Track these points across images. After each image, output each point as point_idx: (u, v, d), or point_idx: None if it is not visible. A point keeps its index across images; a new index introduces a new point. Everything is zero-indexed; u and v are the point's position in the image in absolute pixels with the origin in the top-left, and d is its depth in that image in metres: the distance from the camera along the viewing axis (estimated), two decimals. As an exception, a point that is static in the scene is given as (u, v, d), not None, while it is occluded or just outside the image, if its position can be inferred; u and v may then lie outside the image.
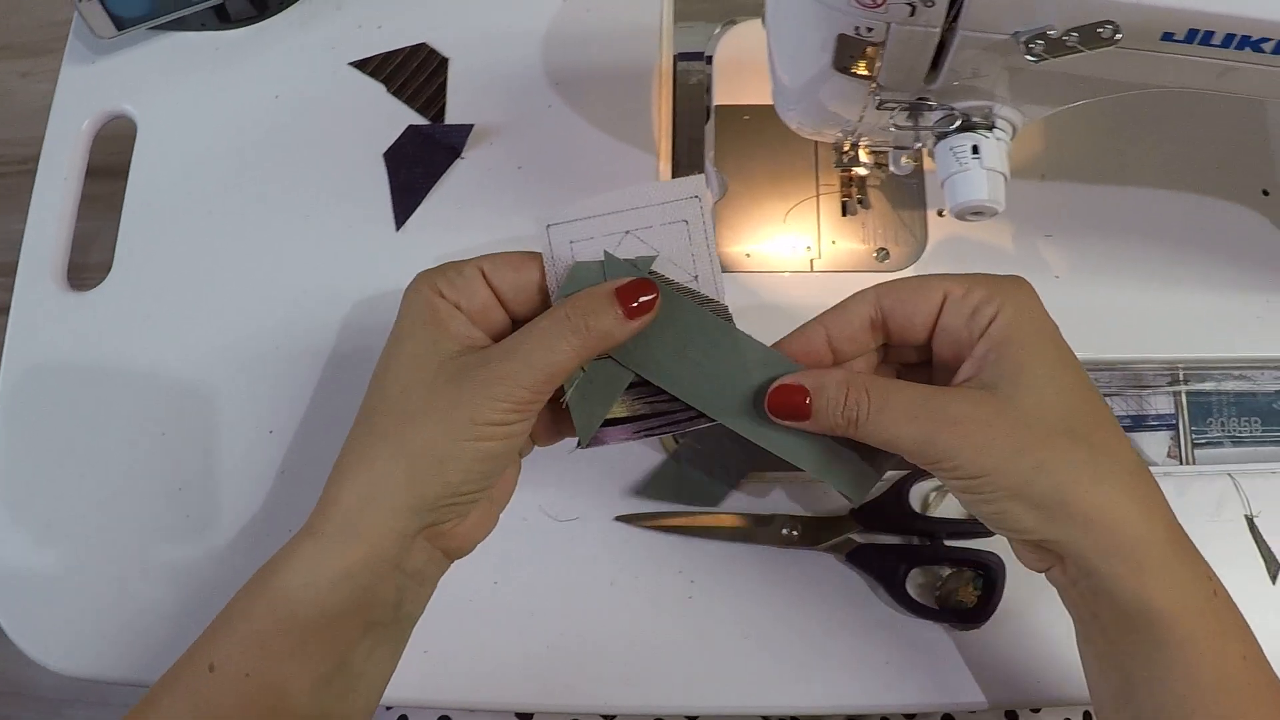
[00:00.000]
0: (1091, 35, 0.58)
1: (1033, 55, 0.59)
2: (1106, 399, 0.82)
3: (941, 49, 0.62)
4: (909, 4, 0.58)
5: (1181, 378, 0.81)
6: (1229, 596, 0.58)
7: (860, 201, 0.81)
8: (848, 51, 0.63)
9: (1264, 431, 0.81)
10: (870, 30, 0.60)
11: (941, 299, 0.59)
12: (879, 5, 0.58)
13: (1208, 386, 0.81)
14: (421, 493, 0.56)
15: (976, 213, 0.68)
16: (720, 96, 0.85)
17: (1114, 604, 0.56)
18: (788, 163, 0.83)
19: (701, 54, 0.90)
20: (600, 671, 0.74)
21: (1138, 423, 0.83)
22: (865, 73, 0.65)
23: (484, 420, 0.55)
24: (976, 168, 0.67)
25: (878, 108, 0.67)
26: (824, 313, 0.61)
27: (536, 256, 0.61)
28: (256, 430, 0.78)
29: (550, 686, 0.73)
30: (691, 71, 0.90)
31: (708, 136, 0.85)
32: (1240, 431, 0.81)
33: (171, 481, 0.77)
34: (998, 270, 0.68)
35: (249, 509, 0.76)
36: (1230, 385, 0.81)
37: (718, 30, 0.89)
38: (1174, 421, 0.82)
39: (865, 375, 0.59)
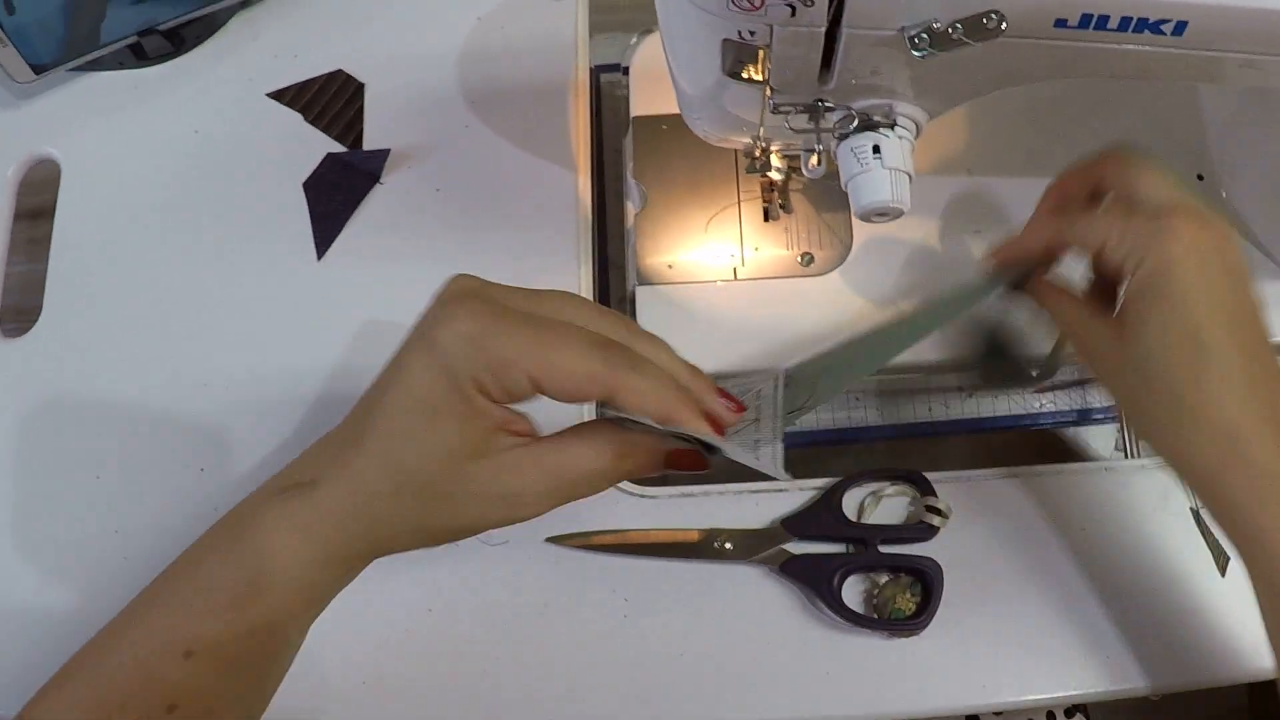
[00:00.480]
0: (977, 26, 0.54)
1: (918, 50, 0.55)
2: (1048, 394, 0.79)
3: (830, 48, 0.58)
4: (788, 5, 0.54)
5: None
6: None
7: (782, 206, 0.77)
8: (735, 56, 0.59)
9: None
10: (753, 34, 0.56)
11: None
12: (757, 8, 0.54)
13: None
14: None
15: (881, 214, 0.64)
16: (638, 107, 0.81)
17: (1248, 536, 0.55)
18: (708, 170, 0.78)
19: (617, 65, 0.86)
20: (539, 695, 0.70)
21: (1083, 417, 0.79)
22: (757, 77, 0.61)
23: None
24: (878, 168, 0.63)
25: (773, 112, 0.64)
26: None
27: (596, 380, 0.51)
28: (188, 469, 0.74)
29: (489, 712, 0.69)
30: (616, 84, 0.87)
31: (626, 148, 0.81)
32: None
33: (107, 524, 0.73)
34: (924, 268, 0.66)
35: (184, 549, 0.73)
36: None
37: (634, 40, 0.84)
38: (1118, 414, 0.78)
39: None
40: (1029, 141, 0.80)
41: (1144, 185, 0.58)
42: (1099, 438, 0.80)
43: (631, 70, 0.83)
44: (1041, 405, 0.79)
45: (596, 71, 0.86)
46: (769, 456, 0.56)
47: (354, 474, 0.53)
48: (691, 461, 0.55)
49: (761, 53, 0.58)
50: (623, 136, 0.82)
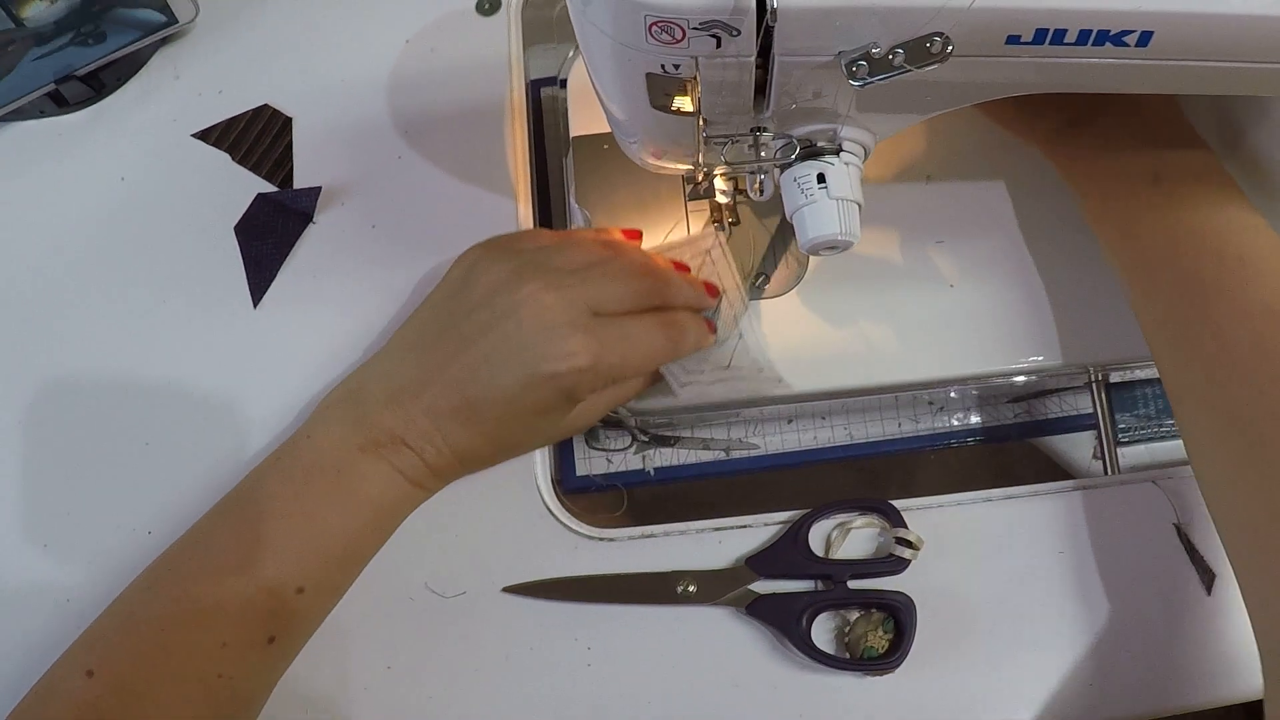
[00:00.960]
0: (920, 51, 0.47)
1: (856, 80, 0.48)
2: (1022, 404, 0.73)
3: (764, 77, 0.52)
4: (712, 36, 0.47)
5: (1099, 377, 0.71)
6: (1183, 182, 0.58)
7: (732, 223, 0.71)
8: (661, 89, 0.53)
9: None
10: (678, 67, 0.50)
11: None
12: (679, 41, 0.48)
13: (1128, 379, 0.72)
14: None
15: (829, 247, 0.58)
16: (577, 126, 0.73)
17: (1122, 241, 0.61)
18: (652, 189, 0.71)
19: (556, 78, 0.80)
20: (502, 752, 0.65)
21: (1058, 426, 0.74)
22: (688, 109, 0.55)
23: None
24: (824, 199, 0.57)
25: (707, 144, 0.58)
26: None
27: (661, 361, 0.66)
28: (135, 532, 0.68)
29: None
30: (556, 97, 0.80)
31: (568, 170, 0.74)
32: (1165, 426, 0.72)
33: (59, 595, 0.67)
34: (885, 283, 0.68)
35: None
36: (1151, 375, 0.72)
37: (571, 54, 0.78)
38: (1095, 422, 0.72)
39: None
40: (989, 144, 0.73)
41: None
42: (1076, 447, 0.75)
43: (569, 87, 0.76)
44: (1015, 415, 0.73)
45: (534, 86, 0.79)
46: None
47: (463, 445, 0.62)
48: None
49: (689, 84, 0.52)
50: (564, 152, 0.76)
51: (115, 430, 0.70)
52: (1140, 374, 0.71)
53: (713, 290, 0.68)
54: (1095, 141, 0.63)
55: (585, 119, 0.74)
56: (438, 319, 0.62)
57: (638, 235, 0.70)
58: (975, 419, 0.73)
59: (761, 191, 0.61)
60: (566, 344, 0.58)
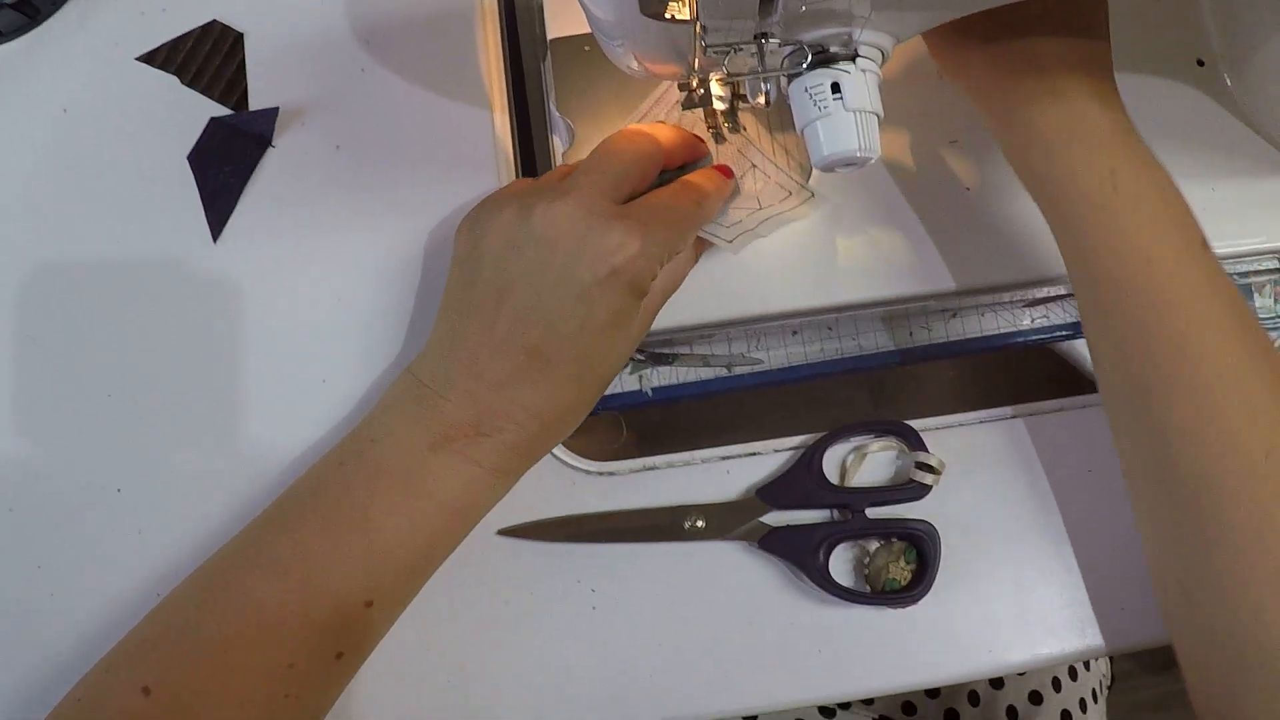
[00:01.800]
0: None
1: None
2: (1039, 308, 0.67)
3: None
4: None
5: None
6: (1148, 192, 0.53)
7: (730, 127, 0.64)
8: (656, -3, 0.47)
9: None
10: (669, -31, 0.44)
11: None
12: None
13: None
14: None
15: (847, 164, 0.52)
16: (555, 27, 0.66)
17: (1023, 179, 0.56)
18: (641, 94, 0.65)
19: (529, -26, 0.72)
20: (507, 699, 0.61)
21: (1077, 331, 0.68)
22: (683, 15, 0.48)
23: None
24: (839, 111, 0.50)
25: (705, 54, 0.51)
26: None
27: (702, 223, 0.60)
28: (104, 490, 0.63)
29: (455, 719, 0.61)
30: (531, -4, 0.73)
31: (546, 77, 0.67)
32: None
33: (28, 560, 0.63)
34: (895, 188, 0.63)
35: (112, 575, 0.62)
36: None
37: (544, -53, 0.71)
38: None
39: None
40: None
41: None
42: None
43: (544, -18, 0.69)
44: (1033, 320, 0.67)
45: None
46: None
47: (543, 406, 0.55)
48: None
49: (681, -12, 0.46)
50: (541, 56, 0.69)
51: (73, 381, 0.65)
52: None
53: (695, 141, 0.63)
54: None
55: (564, 19, 0.67)
56: (465, 289, 0.56)
57: None
58: (990, 326, 0.67)
59: (767, 101, 0.55)
60: (608, 239, 0.53)
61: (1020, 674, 0.80)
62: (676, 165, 0.61)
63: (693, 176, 0.60)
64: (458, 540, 0.58)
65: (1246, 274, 0.66)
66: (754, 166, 0.64)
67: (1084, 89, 0.53)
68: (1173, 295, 0.51)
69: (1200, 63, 0.67)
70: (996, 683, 0.79)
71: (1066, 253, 0.55)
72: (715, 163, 0.63)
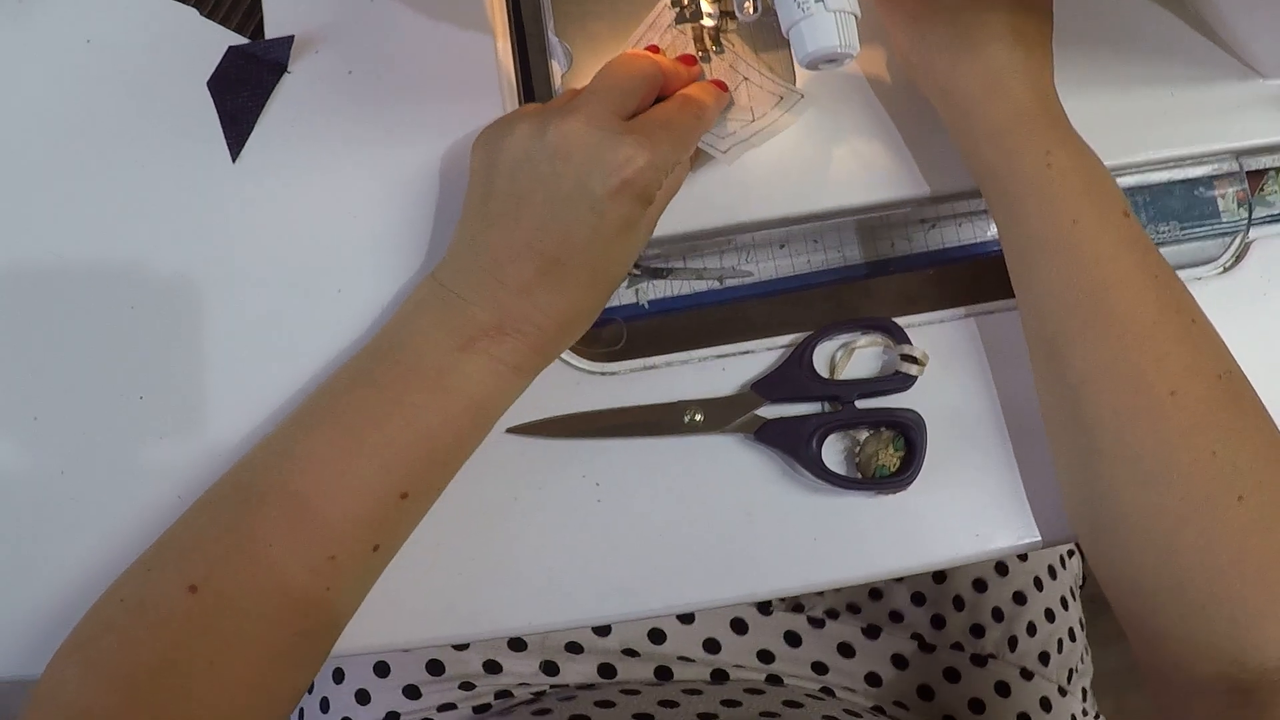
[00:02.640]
0: None
1: None
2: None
3: None
4: None
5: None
6: (1078, 168, 0.58)
7: (717, 50, 0.67)
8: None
9: (1182, 231, 0.69)
10: None
11: None
12: None
13: (1140, 184, 0.69)
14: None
15: (829, 60, 0.55)
16: None
17: (969, 166, 0.62)
18: (635, 19, 0.68)
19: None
20: (516, 591, 0.64)
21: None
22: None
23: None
24: (821, 12, 0.53)
25: (687, -43, 0.54)
26: None
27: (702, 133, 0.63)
28: (127, 398, 0.66)
29: (467, 612, 0.64)
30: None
31: (544, 2, 0.70)
32: (1157, 236, 0.69)
33: (52, 467, 0.65)
34: (876, 103, 0.67)
35: (142, 482, 0.65)
36: (1139, 182, 0.69)
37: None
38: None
39: None
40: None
41: None
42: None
43: (541, -88, 0.72)
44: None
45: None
46: None
47: (560, 309, 0.59)
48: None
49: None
50: (543, -13, 0.72)
51: (98, 296, 0.68)
52: (1130, 180, 0.68)
53: (689, 60, 0.66)
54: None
55: (560, -52, 0.70)
56: (487, 200, 0.59)
57: None
58: (968, 235, 0.70)
59: (755, 8, 0.58)
60: (619, 152, 0.56)
61: (1003, 576, 0.83)
62: (674, 90, 0.64)
63: (691, 90, 0.63)
64: (483, 434, 0.61)
65: (1209, 177, 0.69)
66: (745, 79, 0.67)
67: (1025, 85, 0.58)
68: (1094, 251, 0.56)
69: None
70: (980, 585, 0.82)
71: (1003, 224, 0.60)
72: (710, 79, 0.66)
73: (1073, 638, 0.87)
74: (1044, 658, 0.84)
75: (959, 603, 0.81)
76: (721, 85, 0.65)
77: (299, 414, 0.59)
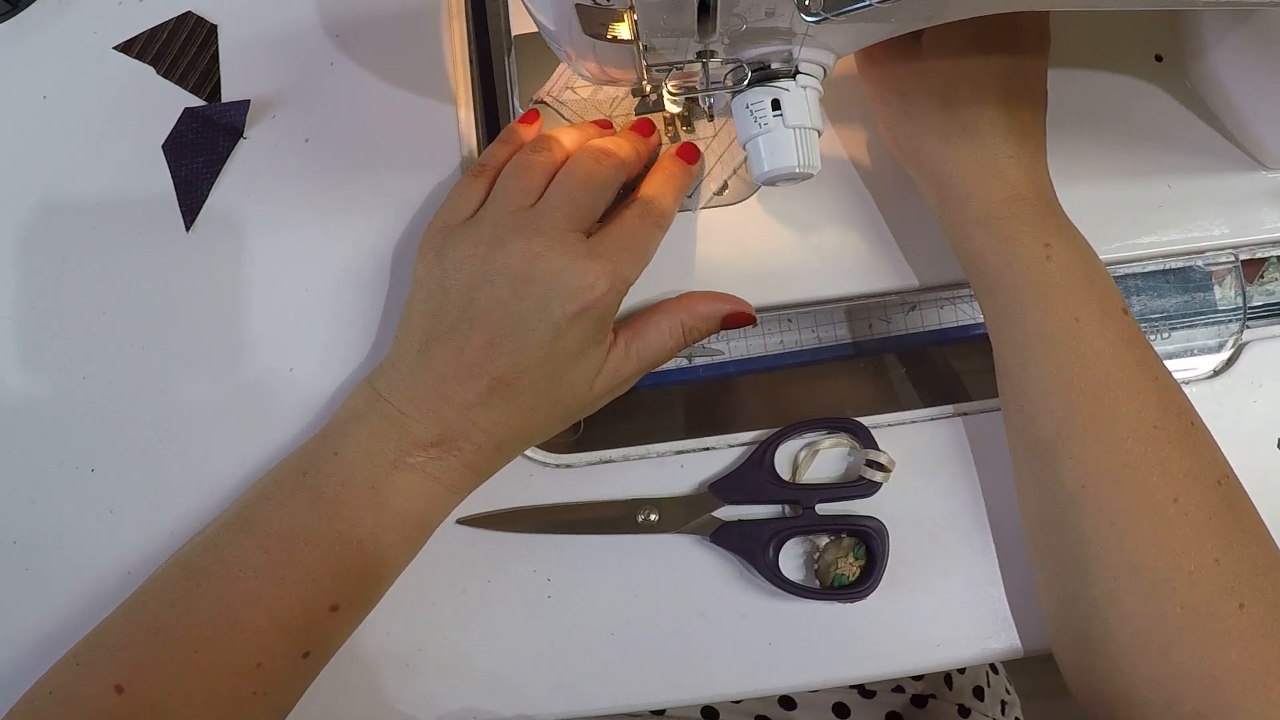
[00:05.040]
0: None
1: (810, 15, 0.43)
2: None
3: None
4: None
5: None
6: (1078, 261, 0.56)
7: (687, 129, 0.65)
8: (595, 20, 0.47)
9: (1176, 321, 0.66)
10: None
11: None
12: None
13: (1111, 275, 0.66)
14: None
15: (788, 179, 0.53)
16: (519, 24, 0.67)
17: (958, 251, 0.60)
18: (606, 109, 0.66)
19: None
20: (463, 684, 0.62)
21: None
22: (625, 36, 0.49)
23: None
24: (780, 128, 0.51)
25: (648, 72, 0.51)
26: None
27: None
28: (79, 470, 0.65)
29: (412, 704, 0.62)
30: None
31: (510, 72, 0.68)
32: (1151, 326, 0.66)
33: (3, 536, 0.64)
34: (849, 186, 0.65)
35: (90, 555, 0.64)
36: (1136, 270, 0.66)
37: (510, -56, 0.71)
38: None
39: None
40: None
41: None
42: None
43: (510, -21, 0.70)
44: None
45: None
46: None
47: (500, 430, 0.58)
48: (740, 320, 0.63)
49: (625, 12, 0.46)
50: (506, 52, 0.70)
51: (47, 365, 0.66)
52: (1126, 270, 0.65)
53: (646, 128, 0.64)
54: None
55: (528, 16, 0.67)
56: (435, 315, 0.58)
57: (535, 116, 0.65)
58: (950, 318, 0.68)
59: (711, 115, 0.55)
60: (583, 277, 0.56)
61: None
62: (635, 175, 0.63)
63: (657, 185, 0.61)
64: (417, 549, 0.60)
65: (1207, 266, 0.66)
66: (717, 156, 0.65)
67: (1020, 170, 0.57)
68: (1096, 349, 0.55)
69: (1158, 58, 0.67)
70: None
71: (994, 318, 0.59)
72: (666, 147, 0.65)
73: (995, 669, 0.88)
74: (978, 692, 0.83)
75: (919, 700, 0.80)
76: (689, 154, 0.63)
77: (234, 513, 0.58)
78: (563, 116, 0.66)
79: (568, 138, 0.62)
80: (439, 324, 0.57)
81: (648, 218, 0.60)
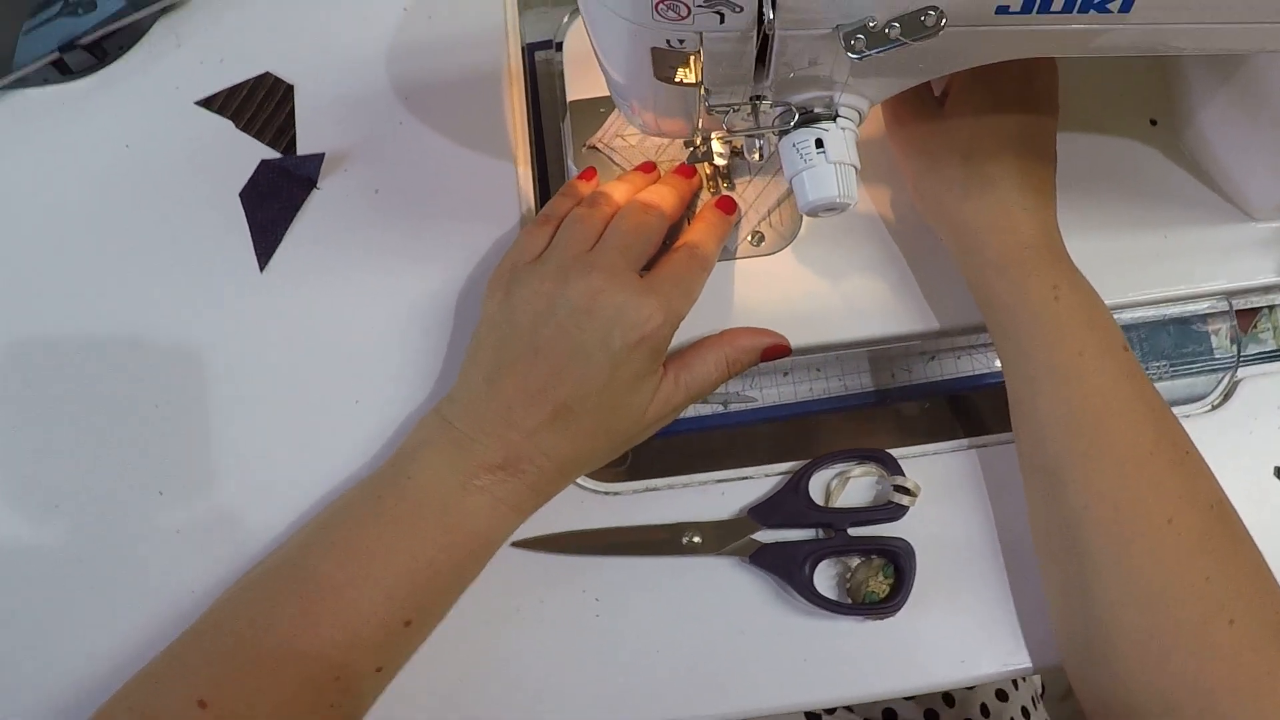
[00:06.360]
0: (915, 25, 0.48)
1: (854, 52, 0.49)
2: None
3: (764, 49, 0.52)
4: (716, 13, 0.48)
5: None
6: (1083, 303, 0.62)
7: (728, 186, 0.71)
8: (666, 63, 0.54)
9: (1175, 367, 0.73)
10: (682, 42, 0.51)
11: None
12: (684, 18, 0.49)
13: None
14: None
15: (829, 209, 0.59)
16: (574, 90, 0.74)
17: (976, 294, 0.65)
18: (652, 154, 0.72)
19: (551, 41, 0.79)
20: (515, 699, 0.66)
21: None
22: (690, 79, 0.55)
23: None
24: (822, 163, 0.58)
25: (709, 113, 0.58)
26: None
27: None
28: (147, 491, 0.69)
29: (466, 713, 0.66)
30: (551, 60, 0.80)
31: (565, 134, 0.74)
32: (1150, 373, 0.73)
33: (69, 555, 0.68)
34: (877, 240, 0.70)
35: (157, 575, 0.68)
36: (1134, 319, 0.73)
37: (566, 19, 0.77)
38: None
39: None
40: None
41: None
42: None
43: (565, 50, 0.76)
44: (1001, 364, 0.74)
45: (530, 50, 0.80)
46: None
47: (562, 453, 0.62)
48: (779, 351, 0.68)
49: (693, 57, 0.53)
50: (561, 116, 0.76)
51: (125, 393, 0.71)
52: (1126, 317, 0.72)
53: (688, 172, 0.71)
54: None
55: (582, 83, 0.74)
56: (502, 347, 0.63)
57: (592, 173, 0.72)
58: (966, 367, 0.74)
59: (761, 156, 0.62)
60: (641, 311, 0.61)
61: (970, 689, 0.86)
62: (678, 221, 0.69)
63: (701, 232, 0.67)
64: (482, 565, 0.64)
65: (1202, 315, 0.73)
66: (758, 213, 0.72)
67: (1033, 222, 0.63)
68: (1097, 381, 0.60)
69: (1153, 121, 0.75)
70: (948, 699, 0.85)
71: (1007, 354, 0.64)
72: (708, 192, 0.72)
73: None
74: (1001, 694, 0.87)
75: (949, 698, 0.84)
76: (727, 206, 0.69)
77: (310, 532, 0.63)
78: (613, 161, 0.73)
79: (619, 191, 0.68)
80: (506, 355, 0.62)
81: (694, 260, 0.66)
